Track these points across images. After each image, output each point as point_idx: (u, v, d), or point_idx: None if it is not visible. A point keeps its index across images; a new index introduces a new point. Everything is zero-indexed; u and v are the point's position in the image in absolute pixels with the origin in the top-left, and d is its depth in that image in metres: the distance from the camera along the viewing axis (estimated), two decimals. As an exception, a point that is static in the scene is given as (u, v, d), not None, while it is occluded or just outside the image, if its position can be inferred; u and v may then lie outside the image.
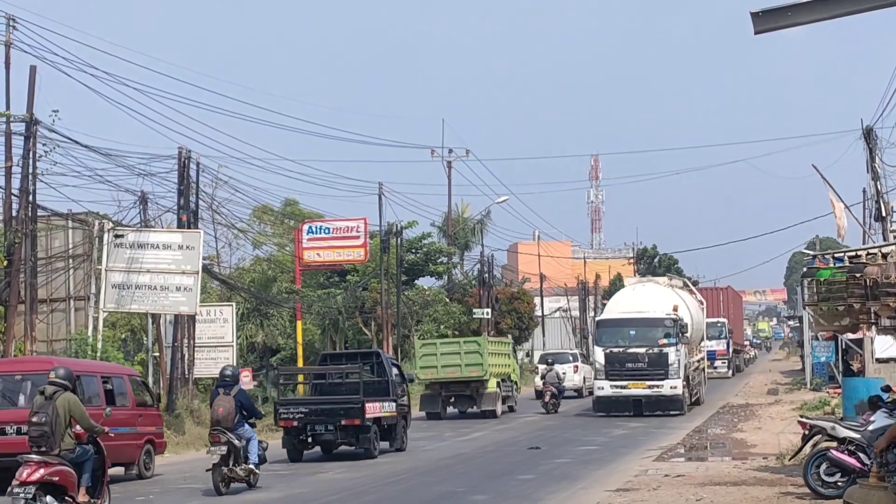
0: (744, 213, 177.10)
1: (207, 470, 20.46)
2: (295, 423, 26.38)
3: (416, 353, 44.13)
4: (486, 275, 62.62)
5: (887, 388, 20.29)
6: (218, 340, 37.78)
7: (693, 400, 42.92)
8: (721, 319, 68.60)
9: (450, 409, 42.97)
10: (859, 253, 21.96)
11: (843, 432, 17.54)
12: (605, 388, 39.46)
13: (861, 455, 16.78)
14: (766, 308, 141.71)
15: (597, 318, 45.35)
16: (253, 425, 21.49)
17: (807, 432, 18.42)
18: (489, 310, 58.58)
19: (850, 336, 39.05)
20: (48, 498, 14.66)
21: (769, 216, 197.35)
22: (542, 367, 49.93)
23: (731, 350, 69.86)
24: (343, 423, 26.27)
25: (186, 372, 34.97)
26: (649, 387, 38.45)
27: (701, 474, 21.25)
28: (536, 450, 26.95)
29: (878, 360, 37.17)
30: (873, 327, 28.18)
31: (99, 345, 32.20)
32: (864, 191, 40.58)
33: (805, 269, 23.10)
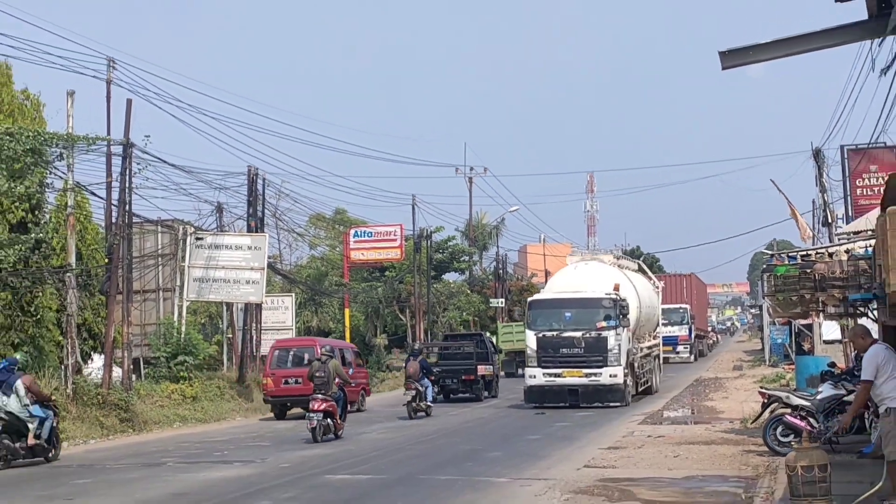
0: (715, 219, 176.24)
1: (404, 405, 27.77)
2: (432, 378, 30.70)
3: (499, 332, 51.12)
4: (501, 271, 62.92)
5: (832, 365, 20.21)
6: (280, 324, 37.96)
7: (642, 388, 32.82)
8: (683, 305, 59.44)
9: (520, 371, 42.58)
10: (810, 252, 21.94)
11: (796, 401, 17.58)
12: (538, 376, 28.93)
13: (811, 419, 16.79)
14: (732, 298, 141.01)
15: (529, 299, 33.03)
16: (430, 379, 29.37)
17: (765, 401, 18.47)
18: (503, 300, 58.91)
19: (802, 321, 39.09)
20: (327, 420, 21.62)
21: (736, 221, 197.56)
22: None
23: (693, 335, 59.64)
24: (463, 378, 34.69)
25: (254, 351, 35.09)
26: (586, 375, 28.23)
27: (678, 435, 21.26)
28: (542, 415, 27.13)
29: (825, 342, 37.16)
30: (821, 314, 28.29)
31: (183, 328, 32.27)
32: (814, 201, 40.40)
33: (765, 266, 23.02)
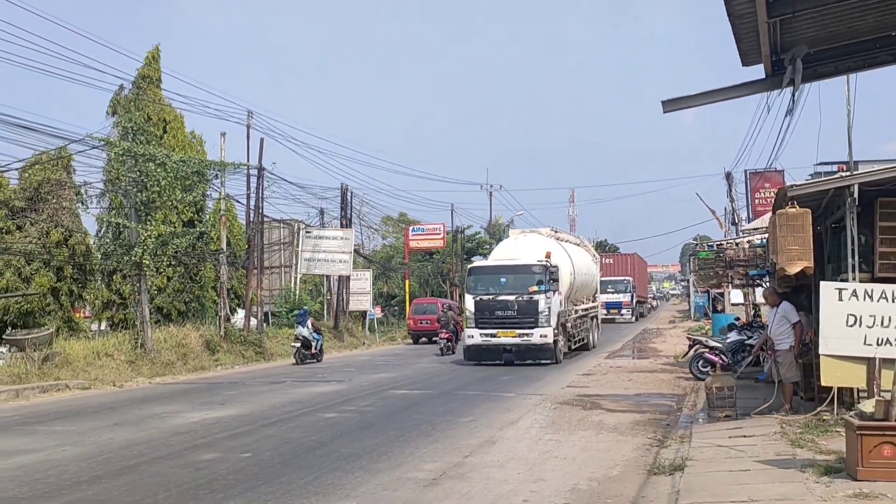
0: (659, 219, 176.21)
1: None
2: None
3: None
4: (511, 255, 63.12)
5: (737, 319, 20.10)
6: (361, 290, 37.89)
7: (578, 346, 25.62)
8: (627, 278, 52.51)
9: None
10: (722, 243, 21.75)
11: (712, 343, 17.36)
12: (475, 336, 22.63)
13: (722, 356, 16.58)
14: (669, 275, 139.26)
15: (469, 266, 26.42)
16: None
17: (691, 343, 18.26)
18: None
19: (716, 290, 38.69)
20: (449, 343, 26.42)
21: (674, 221, 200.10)
22: None
23: (634, 301, 52.76)
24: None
25: (345, 307, 35.15)
26: (519, 335, 22.11)
27: (631, 366, 21.06)
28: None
29: (733, 304, 36.70)
30: (730, 285, 28.05)
31: (297, 292, 32.45)
32: (725, 208, 39.96)
33: (691, 252, 23.28)
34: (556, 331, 22.18)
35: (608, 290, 46.54)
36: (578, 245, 29.82)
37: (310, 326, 24.28)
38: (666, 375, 18.36)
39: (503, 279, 22.57)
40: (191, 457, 9.44)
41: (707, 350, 17.05)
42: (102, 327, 26.10)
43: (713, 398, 11.15)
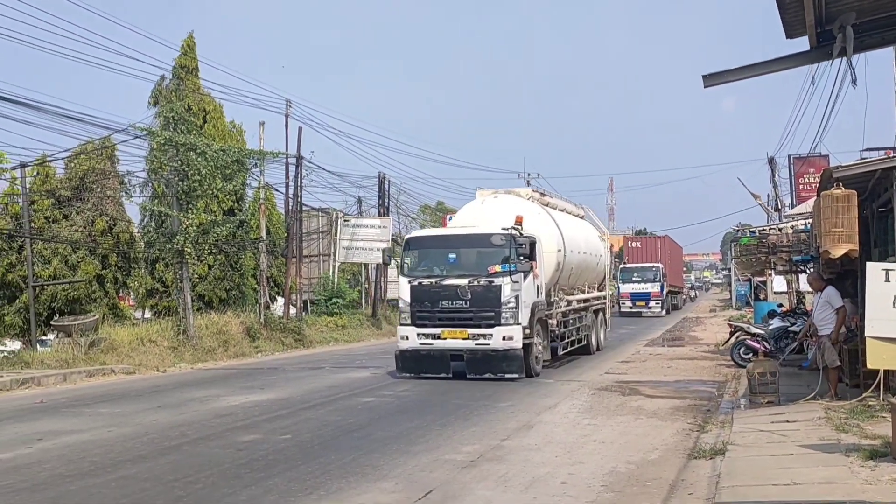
0: (700, 207, 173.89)
1: None
2: None
3: None
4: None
5: (780, 306, 19.72)
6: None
7: (571, 348, 18.68)
8: (657, 264, 44.47)
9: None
10: (764, 228, 21.38)
11: (754, 330, 17.13)
12: (411, 336, 15.56)
13: (764, 343, 16.31)
14: (710, 264, 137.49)
15: (406, 237, 17.87)
16: None
17: (732, 330, 18.02)
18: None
19: (759, 278, 38.10)
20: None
21: (715, 208, 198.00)
22: None
23: (664, 292, 44.49)
24: None
25: (382, 295, 35.33)
26: (472, 336, 15.18)
27: (671, 353, 20.84)
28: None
29: (776, 293, 36.07)
30: (772, 272, 27.53)
31: (335, 280, 32.70)
32: (768, 194, 39.24)
33: (733, 238, 22.75)
34: (527, 330, 15.04)
35: (634, 278, 43.02)
36: (577, 216, 21.77)
37: None
38: (706, 363, 18.14)
39: (452, 255, 15.48)
40: (231, 438, 9.58)
41: (749, 337, 16.80)
42: (146, 315, 26.60)
43: (755, 384, 10.98)
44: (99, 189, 23.22)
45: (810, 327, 11.61)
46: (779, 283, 33.89)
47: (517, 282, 14.74)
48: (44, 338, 21.41)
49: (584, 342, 19.67)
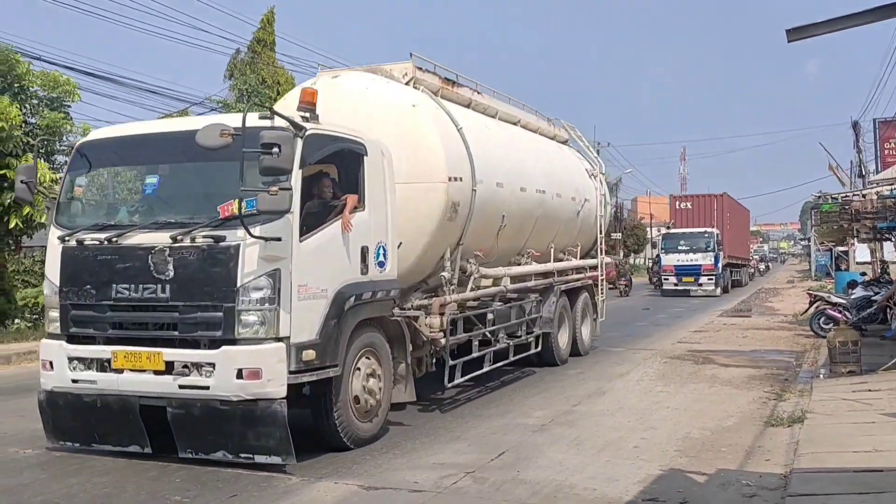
0: (781, 173, 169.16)
1: None
2: None
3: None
4: (619, 214, 61.98)
5: (863, 275, 19.09)
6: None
7: (524, 353, 11.01)
8: (709, 230, 33.95)
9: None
10: (847, 195, 20.55)
11: (835, 299, 16.63)
12: (58, 363, 6.50)
13: (846, 313, 15.80)
14: (787, 234, 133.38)
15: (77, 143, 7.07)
16: None
17: (812, 300, 17.47)
18: (620, 234, 57.91)
19: (840, 248, 36.78)
20: None
21: (796, 174, 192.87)
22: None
23: (720, 265, 33.37)
24: None
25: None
26: (175, 366, 6.07)
27: (746, 324, 20.35)
28: (647, 310, 26.26)
29: (858, 263, 34.81)
30: (855, 240, 26.52)
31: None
32: (851, 160, 37.74)
33: (814, 204, 21.78)
34: (310, 353, 6.45)
35: (680, 247, 33.05)
36: (548, 137, 13.23)
37: None
38: (784, 333, 17.69)
39: (151, 181, 6.90)
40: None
41: (829, 307, 16.29)
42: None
43: (836, 353, 10.70)
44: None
45: (894, 294, 11.20)
46: (861, 252, 32.68)
47: (279, 240, 6.24)
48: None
49: (538, 346, 11.44)
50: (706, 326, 19.76)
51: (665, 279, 33.50)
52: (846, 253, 37.90)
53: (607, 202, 15.43)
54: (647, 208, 73.02)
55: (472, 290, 9.61)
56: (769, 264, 76.82)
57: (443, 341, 8.61)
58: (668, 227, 38.04)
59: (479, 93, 10.87)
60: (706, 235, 33.42)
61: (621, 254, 52.37)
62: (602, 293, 14.61)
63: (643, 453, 7.06)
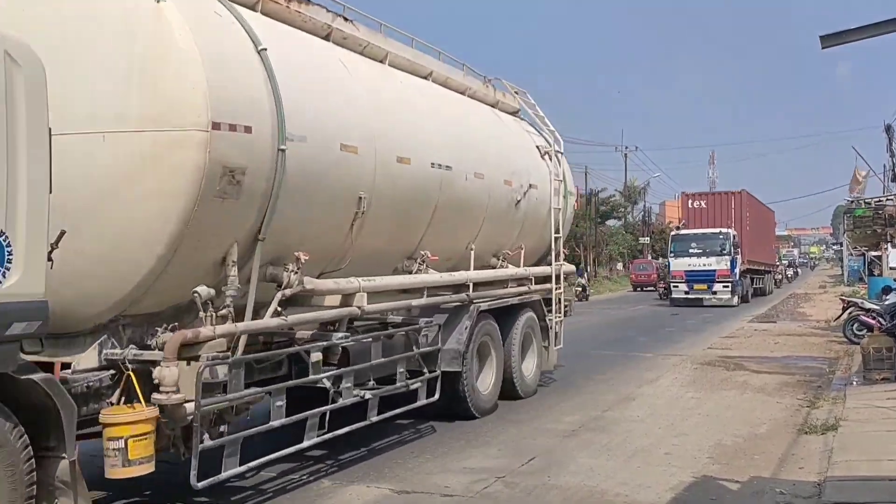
0: (812, 176, 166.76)
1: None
2: None
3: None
4: (647, 218, 61.64)
5: (896, 281, 18.78)
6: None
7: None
8: (725, 230, 29.74)
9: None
10: (881, 199, 20.33)
11: (869, 305, 16.31)
12: None
13: (880, 319, 15.54)
14: (819, 238, 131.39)
15: None
16: None
17: (845, 305, 17.21)
18: (648, 238, 57.56)
19: (873, 252, 36.17)
20: None
21: (826, 179, 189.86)
22: None
23: (737, 271, 29.26)
24: None
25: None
26: None
27: (778, 329, 20.16)
28: (675, 315, 26.01)
29: (892, 268, 34.23)
30: (888, 245, 26.13)
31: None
32: (885, 164, 37.15)
33: (847, 210, 21.55)
34: None
35: (692, 250, 29.26)
36: (482, 101, 10.14)
37: None
38: (816, 339, 17.48)
39: None
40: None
41: (863, 312, 16.03)
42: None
43: (870, 360, 10.58)
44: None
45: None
46: (895, 257, 32.21)
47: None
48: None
49: (434, 394, 7.94)
50: (737, 332, 19.58)
51: (675, 286, 29.48)
52: (879, 258, 37.30)
53: (569, 192, 11.46)
54: (675, 212, 72.73)
55: (274, 314, 5.95)
56: (798, 270, 71.64)
57: (187, 408, 5.11)
58: (679, 228, 33.45)
59: (347, 19, 7.45)
60: (721, 237, 29.33)
61: (648, 256, 52.50)
62: (561, 312, 10.86)
63: (674, 460, 7.04)
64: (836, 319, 18.46)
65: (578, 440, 7.85)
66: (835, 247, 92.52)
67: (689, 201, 33.97)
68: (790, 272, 57.72)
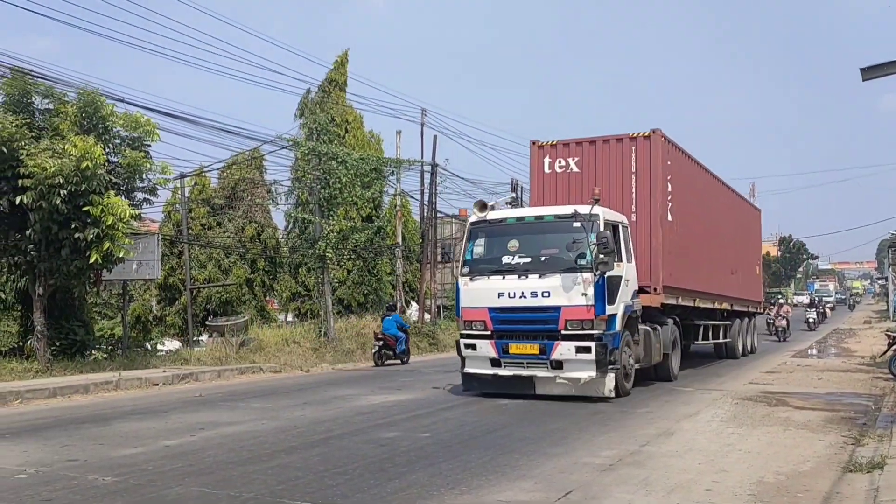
0: (852, 211, 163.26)
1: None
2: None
3: None
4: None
5: (947, 316, 18.28)
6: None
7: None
8: (588, 210, 12.37)
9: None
10: (928, 232, 19.89)
11: (917, 341, 15.93)
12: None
13: (928, 355, 15.16)
14: (864, 273, 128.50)
15: None
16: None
17: (891, 341, 16.89)
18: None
19: (921, 287, 35.18)
20: None
21: (872, 211, 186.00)
22: None
23: (617, 306, 12.42)
24: None
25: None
26: None
27: (821, 365, 19.74)
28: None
29: (940, 303, 33.32)
30: (937, 280, 25.55)
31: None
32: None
33: (892, 244, 21.12)
34: None
35: (507, 259, 13.06)
36: None
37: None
38: (861, 375, 17.08)
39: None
40: (374, 434, 9.98)
41: (910, 348, 15.60)
42: (289, 317, 27.97)
43: (918, 397, 10.29)
44: (248, 197, 24.73)
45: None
46: (944, 291, 31.32)
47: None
48: (198, 338, 23.01)
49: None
50: (779, 367, 19.23)
51: (466, 345, 13.52)
52: (928, 292, 36.29)
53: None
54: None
55: None
56: (827, 310, 52.44)
57: None
58: (484, 208, 13.74)
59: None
60: (577, 227, 12.54)
61: None
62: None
63: (715, 497, 6.91)
64: (882, 355, 18.07)
65: (616, 475, 7.75)
66: (880, 281, 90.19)
67: (547, 160, 15.66)
68: (812, 315, 40.82)
